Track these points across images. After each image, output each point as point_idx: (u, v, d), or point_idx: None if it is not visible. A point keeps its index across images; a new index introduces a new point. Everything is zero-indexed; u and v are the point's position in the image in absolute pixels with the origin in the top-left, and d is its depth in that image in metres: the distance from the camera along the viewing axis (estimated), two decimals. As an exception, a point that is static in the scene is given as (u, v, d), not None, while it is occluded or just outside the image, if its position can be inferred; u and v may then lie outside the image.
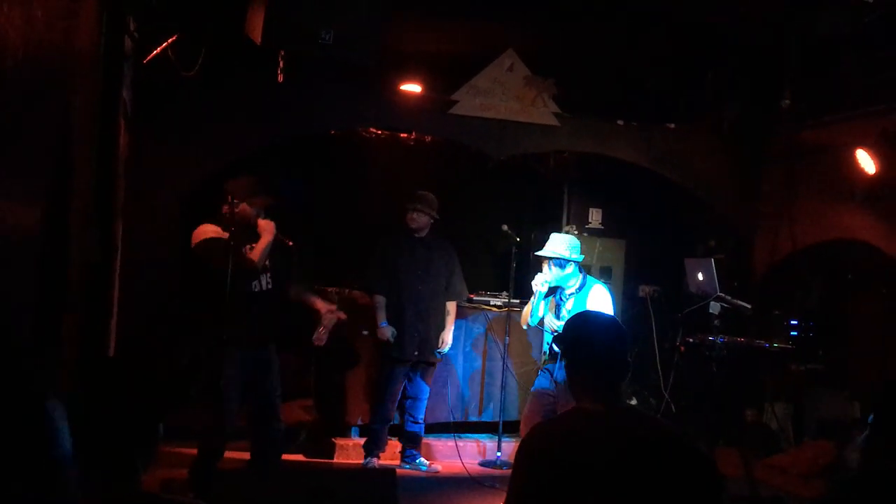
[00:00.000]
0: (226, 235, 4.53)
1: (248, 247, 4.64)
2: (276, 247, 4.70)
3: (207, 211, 4.77)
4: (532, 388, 5.18)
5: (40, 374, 2.41)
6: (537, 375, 5.18)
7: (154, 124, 5.61)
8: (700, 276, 6.31)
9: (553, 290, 5.08)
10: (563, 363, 4.82)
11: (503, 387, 6.17)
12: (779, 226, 7.18)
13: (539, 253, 5.13)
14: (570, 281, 5.02)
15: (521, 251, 6.33)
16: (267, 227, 4.65)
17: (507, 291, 6.32)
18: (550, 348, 5.01)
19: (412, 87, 6.66)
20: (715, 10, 5.67)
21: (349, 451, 6.01)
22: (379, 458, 5.82)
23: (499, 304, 6.65)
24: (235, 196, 4.62)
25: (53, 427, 1.50)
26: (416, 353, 5.80)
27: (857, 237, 6.39)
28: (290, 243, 4.78)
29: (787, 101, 6.27)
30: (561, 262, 4.97)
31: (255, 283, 4.69)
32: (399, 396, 5.91)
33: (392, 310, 5.81)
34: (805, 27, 5.62)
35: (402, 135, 7.34)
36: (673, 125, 7.21)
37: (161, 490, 4.58)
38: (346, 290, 6.16)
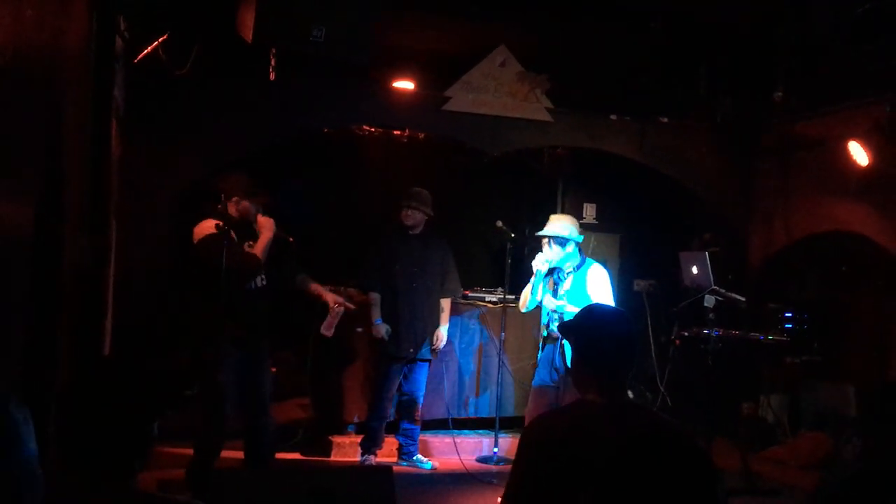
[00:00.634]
0: (226, 230, 4.54)
1: (247, 243, 4.65)
2: (274, 243, 4.71)
3: (204, 211, 4.76)
4: (533, 384, 5.20)
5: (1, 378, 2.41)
6: (536, 368, 5.20)
7: (146, 125, 5.59)
8: (695, 270, 6.32)
9: (551, 271, 5.16)
10: (560, 347, 4.88)
11: (499, 383, 6.18)
12: (773, 218, 7.21)
13: (540, 233, 5.20)
14: (568, 261, 5.10)
15: (516, 247, 6.33)
16: (266, 224, 4.67)
17: (503, 287, 6.32)
18: (547, 327, 5.06)
19: (405, 85, 6.65)
20: (707, 4, 5.68)
21: (346, 448, 6.01)
22: (376, 455, 5.83)
23: (494, 300, 6.66)
24: (235, 193, 4.63)
25: (17, 429, 1.50)
26: (411, 350, 5.81)
27: (851, 229, 6.40)
28: (291, 239, 4.80)
29: (780, 94, 6.27)
30: (562, 242, 5.06)
31: (253, 280, 4.69)
32: (395, 393, 5.91)
33: (387, 307, 5.80)
34: (797, 20, 5.63)
35: (395, 132, 7.33)
36: (666, 119, 7.22)
37: (158, 490, 4.57)
38: (342, 288, 6.15)
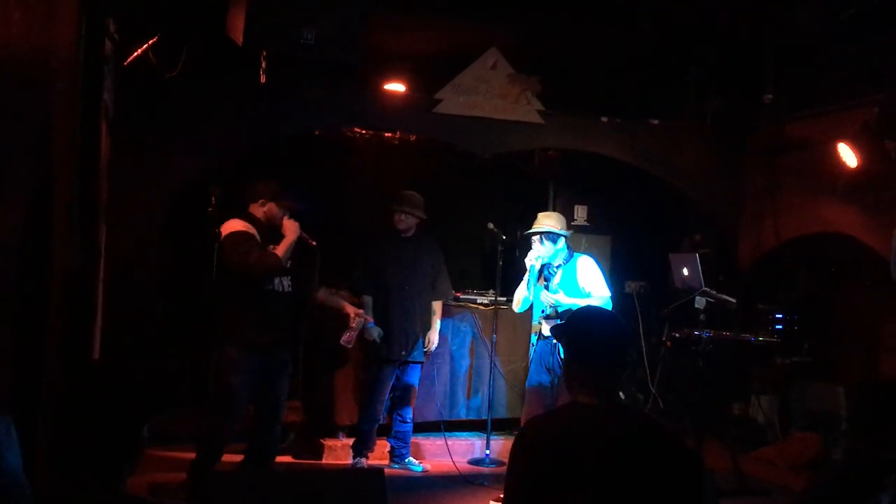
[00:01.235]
0: (253, 231, 4.56)
1: (271, 246, 4.67)
2: (297, 248, 4.73)
3: (196, 213, 4.75)
4: (527, 384, 5.23)
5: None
6: (529, 369, 5.23)
7: (136, 127, 5.57)
8: (685, 272, 6.34)
9: (541, 268, 5.25)
10: (554, 346, 4.91)
11: (491, 384, 6.18)
12: (762, 220, 7.23)
13: (531, 230, 5.26)
14: (558, 256, 5.20)
15: (508, 249, 6.34)
16: (291, 227, 4.70)
17: (494, 289, 6.32)
18: (540, 325, 5.12)
19: (396, 87, 6.65)
20: (696, 6, 5.70)
21: (338, 451, 6.00)
22: (368, 458, 5.82)
23: (485, 302, 6.66)
24: (262, 195, 4.65)
25: None
26: (403, 352, 5.80)
27: (840, 230, 6.43)
28: (314, 243, 4.80)
29: (769, 96, 6.30)
30: (553, 238, 5.15)
31: (278, 283, 4.68)
32: (387, 396, 5.90)
33: (379, 310, 5.80)
34: (785, 22, 5.66)
35: (386, 134, 7.32)
36: (657, 121, 7.24)
37: (149, 494, 4.56)
38: (333, 291, 6.14)
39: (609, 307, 4.91)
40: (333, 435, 6.14)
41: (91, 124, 4.08)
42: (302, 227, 4.77)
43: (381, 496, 2.91)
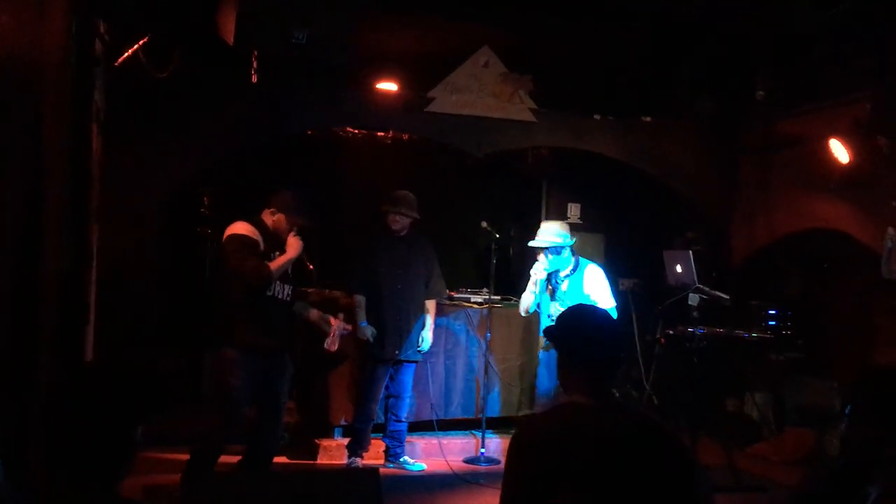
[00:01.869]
0: (257, 237, 4.55)
1: (275, 254, 4.65)
2: (295, 266, 4.74)
3: (189, 214, 4.74)
4: (537, 393, 5.28)
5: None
6: (537, 376, 5.28)
7: (128, 128, 5.55)
8: (679, 269, 6.35)
9: (549, 276, 5.31)
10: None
11: (486, 384, 6.17)
12: (755, 216, 7.25)
13: (533, 243, 5.30)
14: (564, 265, 5.26)
15: (501, 248, 6.34)
16: (294, 245, 4.67)
17: (488, 288, 6.32)
18: (550, 318, 5.17)
19: (388, 86, 6.64)
20: (689, 4, 5.71)
21: (332, 451, 6.00)
22: (362, 457, 5.81)
23: (479, 300, 6.65)
24: (274, 204, 4.65)
25: None
26: (397, 351, 5.79)
27: (833, 226, 6.45)
28: (311, 267, 4.80)
29: (762, 93, 6.32)
30: (556, 249, 5.20)
31: (279, 290, 4.67)
32: (381, 396, 5.90)
33: (372, 309, 5.79)
34: (777, 19, 5.67)
35: (379, 133, 7.31)
36: (649, 118, 7.25)
37: (143, 496, 4.54)
38: (326, 291, 6.14)
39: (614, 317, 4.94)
40: (328, 435, 6.13)
41: (82, 125, 4.06)
42: (310, 245, 4.77)
43: (376, 496, 2.90)
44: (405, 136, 7.28)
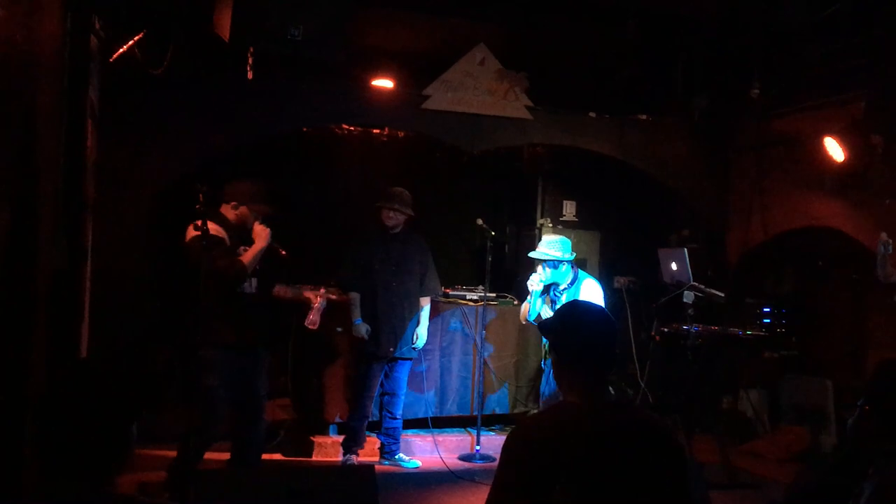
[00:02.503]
0: (223, 234, 4.50)
1: (241, 248, 4.62)
2: (268, 254, 4.68)
3: (183, 211, 4.72)
4: (542, 398, 5.29)
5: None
6: (542, 381, 5.30)
7: (123, 124, 5.54)
8: (674, 266, 6.36)
9: (548, 288, 5.32)
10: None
11: (480, 381, 6.17)
12: (750, 214, 7.26)
13: (532, 255, 5.31)
14: (562, 278, 5.27)
15: (497, 245, 6.34)
16: (261, 234, 4.61)
17: (483, 286, 6.32)
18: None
19: (384, 83, 6.63)
20: (684, 2, 5.72)
21: (328, 448, 6.00)
22: (358, 455, 5.81)
23: (474, 298, 6.66)
24: (234, 198, 4.60)
25: None
26: (391, 349, 5.80)
27: (827, 224, 6.47)
28: (284, 253, 4.75)
29: (756, 91, 6.32)
30: (554, 263, 5.22)
31: (246, 284, 4.65)
32: (376, 393, 5.90)
33: (367, 307, 5.79)
34: (771, 17, 5.68)
35: (375, 131, 7.31)
36: (644, 116, 7.26)
37: (137, 493, 4.54)
38: (321, 288, 6.12)
39: None
40: (323, 432, 6.13)
41: (77, 121, 4.05)
42: (279, 231, 4.69)
43: (371, 493, 2.91)
44: (401, 134, 7.28)
